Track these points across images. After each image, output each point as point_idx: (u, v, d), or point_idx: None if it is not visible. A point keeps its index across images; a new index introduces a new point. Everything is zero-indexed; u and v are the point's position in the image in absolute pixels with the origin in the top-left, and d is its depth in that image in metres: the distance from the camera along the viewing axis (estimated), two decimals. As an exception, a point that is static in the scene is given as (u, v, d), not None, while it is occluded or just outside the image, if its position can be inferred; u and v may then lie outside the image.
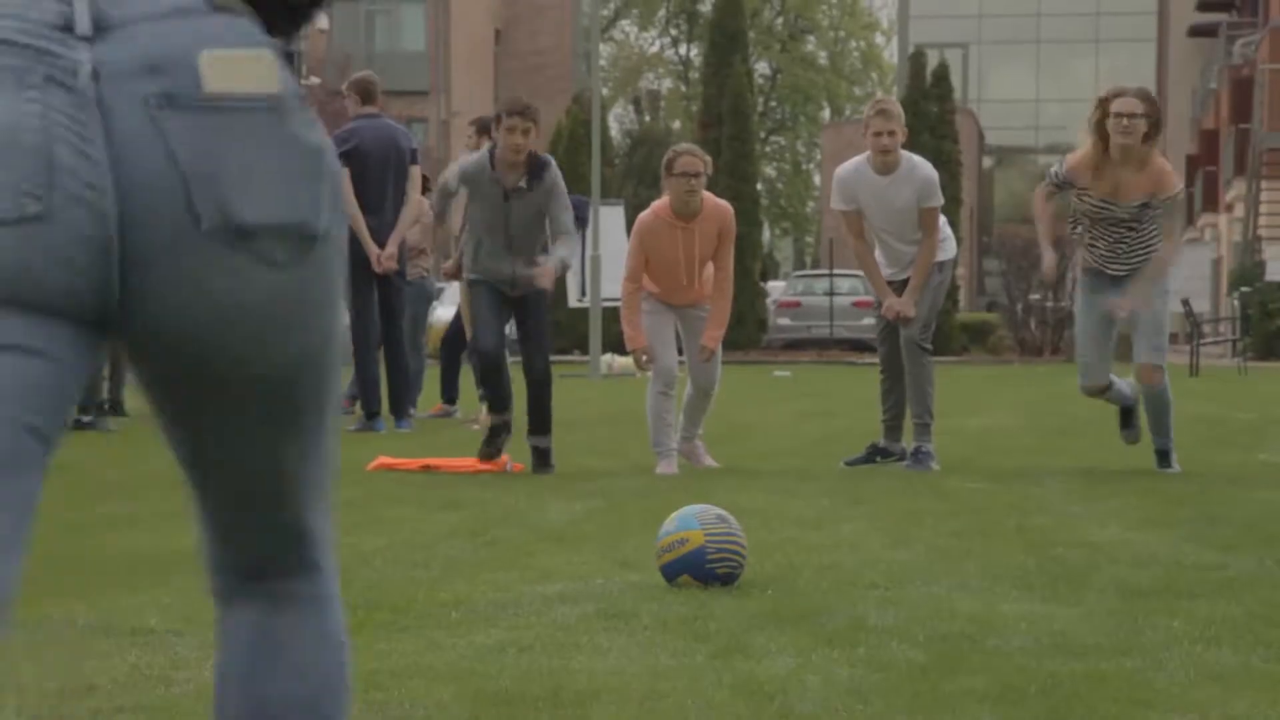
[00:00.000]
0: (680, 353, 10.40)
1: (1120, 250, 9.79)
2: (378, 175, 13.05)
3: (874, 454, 10.68)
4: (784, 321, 38.22)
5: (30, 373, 1.97)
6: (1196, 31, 58.24)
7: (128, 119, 1.95)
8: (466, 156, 10.96)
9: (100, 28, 1.98)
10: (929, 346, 10.44)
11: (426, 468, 9.89)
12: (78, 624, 5.13)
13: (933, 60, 39.31)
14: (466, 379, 15.36)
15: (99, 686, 4.30)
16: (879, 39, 71.24)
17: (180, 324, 2.01)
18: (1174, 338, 49.52)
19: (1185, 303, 28.92)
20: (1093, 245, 9.86)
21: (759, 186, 42.35)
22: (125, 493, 8.93)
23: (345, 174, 13.13)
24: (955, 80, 44.84)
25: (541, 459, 10.01)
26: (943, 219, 10.43)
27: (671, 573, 5.79)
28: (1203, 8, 57.39)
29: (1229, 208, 48.78)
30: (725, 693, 4.21)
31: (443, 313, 19.95)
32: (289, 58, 2.09)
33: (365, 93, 13.53)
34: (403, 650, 4.72)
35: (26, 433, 2.01)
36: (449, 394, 15.89)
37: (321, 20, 42.07)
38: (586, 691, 4.20)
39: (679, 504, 6.19)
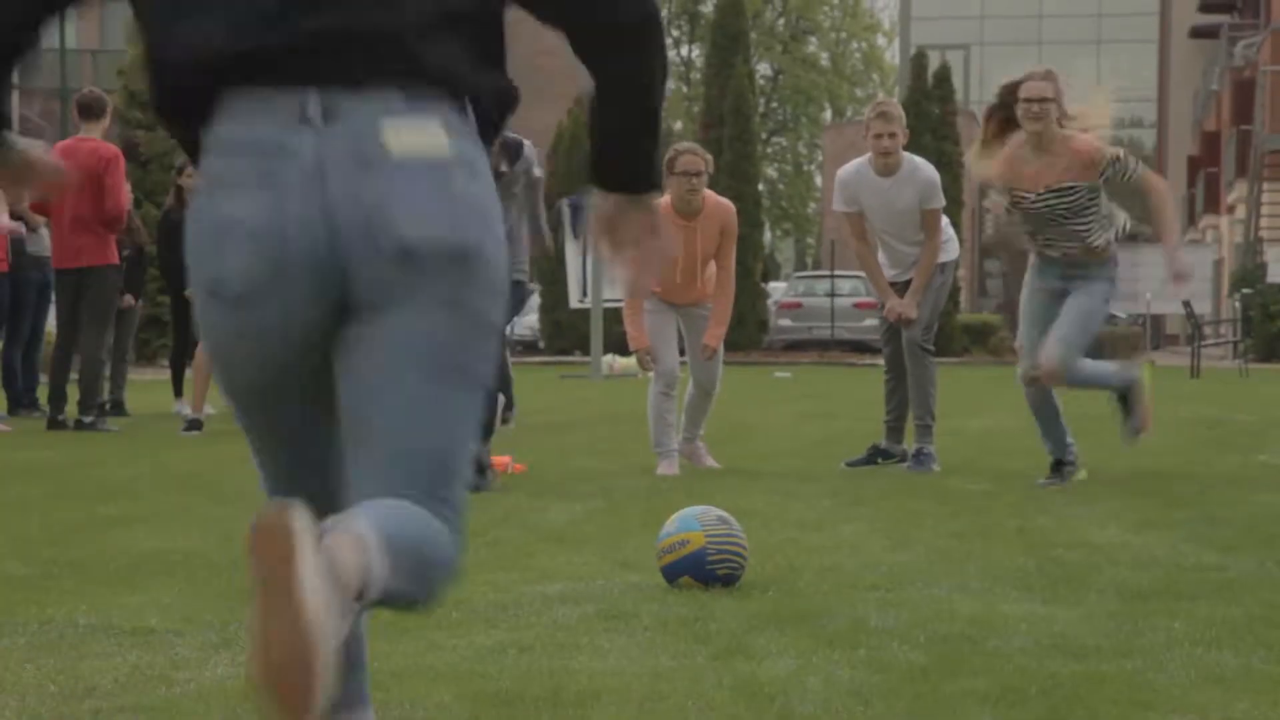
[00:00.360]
0: (682, 353, 10.40)
1: (1064, 241, 9.23)
2: None
3: (875, 455, 10.68)
4: (785, 322, 38.20)
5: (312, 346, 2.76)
6: (1198, 33, 58.24)
7: (338, 180, 2.66)
8: None
9: (328, 117, 2.68)
10: (931, 348, 10.44)
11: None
12: (79, 624, 5.13)
13: (934, 62, 39.29)
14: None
15: (99, 687, 4.30)
16: (880, 40, 71.23)
17: (360, 293, 2.70)
18: (1175, 339, 49.54)
19: (1186, 304, 28.90)
20: (1035, 239, 9.34)
21: (760, 187, 42.34)
22: (126, 493, 8.93)
23: None
24: (957, 82, 44.80)
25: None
26: (945, 220, 10.44)
27: (672, 574, 5.79)
28: (1204, 9, 57.39)
29: (1230, 209, 48.77)
30: (726, 694, 4.21)
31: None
32: (482, 133, 2.79)
33: None
34: (403, 651, 4.72)
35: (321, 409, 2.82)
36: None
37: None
38: (587, 692, 4.20)
39: (680, 505, 6.19)
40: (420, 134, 2.70)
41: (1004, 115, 9.30)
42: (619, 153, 2.86)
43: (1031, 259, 9.46)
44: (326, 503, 2.81)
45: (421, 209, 2.68)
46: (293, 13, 2.68)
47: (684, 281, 10.11)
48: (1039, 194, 9.10)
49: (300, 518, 2.36)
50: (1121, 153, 9.11)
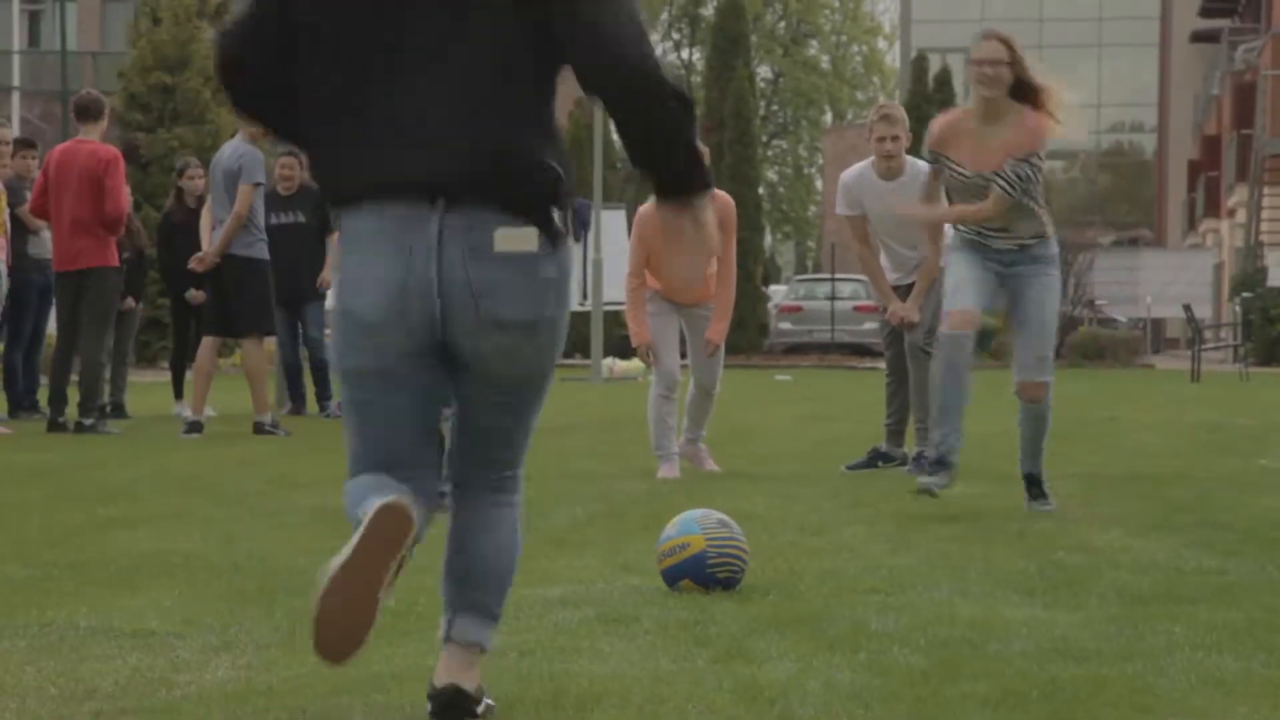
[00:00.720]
0: (683, 355, 10.40)
1: (1000, 229, 8.25)
2: None
3: (875, 459, 10.68)
4: (785, 326, 38.19)
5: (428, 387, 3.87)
6: (1199, 37, 58.25)
7: (452, 260, 3.71)
8: None
9: (450, 206, 3.71)
10: (933, 351, 10.43)
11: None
12: (79, 626, 5.13)
13: (935, 65, 39.31)
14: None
15: (100, 689, 4.30)
16: (881, 43, 71.25)
17: (475, 360, 3.81)
18: (1175, 343, 49.52)
19: (1187, 308, 28.91)
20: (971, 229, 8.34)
21: (761, 190, 42.34)
22: (126, 496, 8.93)
23: None
24: (958, 85, 44.78)
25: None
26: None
27: (673, 578, 5.79)
28: (1205, 13, 57.40)
29: (1231, 213, 48.76)
30: (726, 697, 4.21)
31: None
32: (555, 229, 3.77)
33: None
34: (405, 653, 4.72)
35: (426, 425, 3.89)
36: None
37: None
38: (587, 695, 4.20)
39: (680, 508, 6.19)
40: (518, 236, 3.73)
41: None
42: (647, 174, 3.80)
43: (955, 243, 8.47)
44: (395, 454, 3.86)
45: (512, 293, 3.74)
46: (436, 156, 3.72)
47: (689, 278, 10.05)
48: (975, 174, 8.14)
49: (413, 518, 3.65)
50: (1038, 157, 8.09)
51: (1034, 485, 8.47)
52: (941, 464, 8.34)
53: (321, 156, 3.83)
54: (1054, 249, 8.39)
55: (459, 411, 3.94)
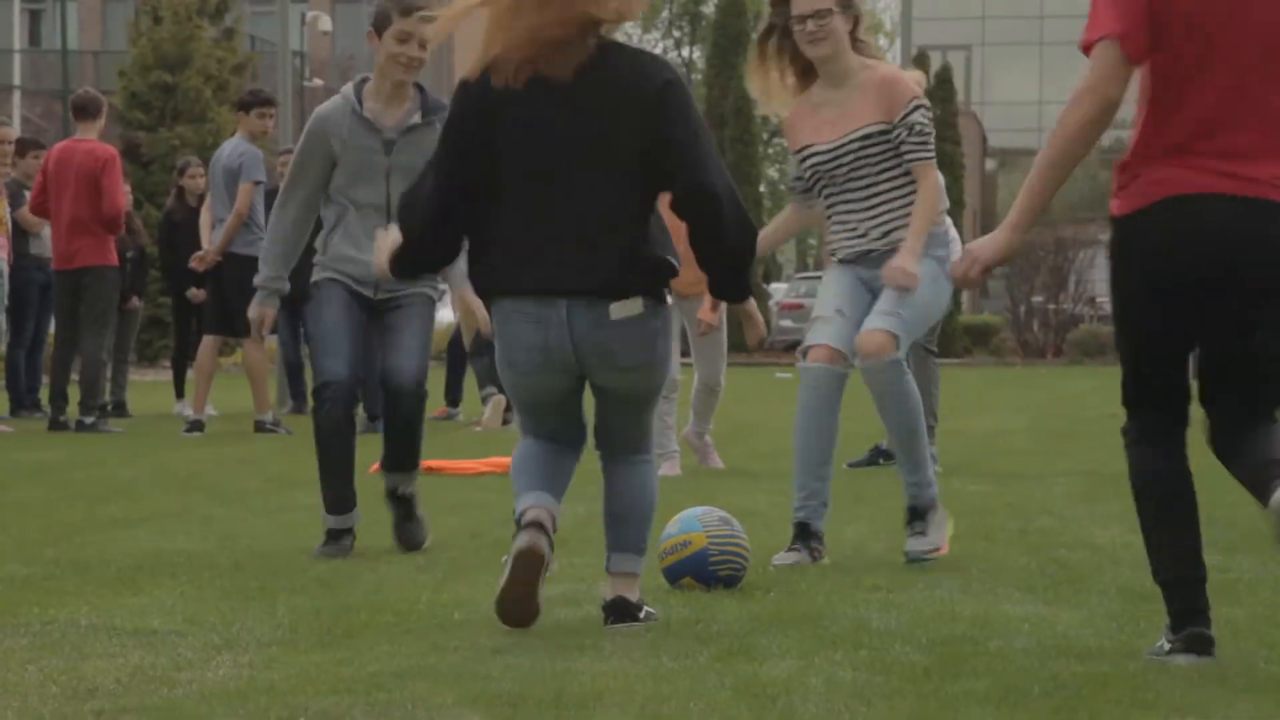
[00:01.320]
0: (684, 355, 10.40)
1: (870, 220, 6.60)
2: None
3: (877, 456, 10.68)
4: (786, 323, 38.21)
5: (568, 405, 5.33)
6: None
7: (581, 329, 5.07)
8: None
9: (572, 299, 5.06)
10: (934, 349, 10.44)
11: (429, 470, 9.87)
12: (81, 625, 5.13)
13: (936, 62, 39.32)
14: (470, 382, 15.37)
15: (101, 687, 4.30)
16: (882, 41, 71.28)
17: (606, 388, 5.24)
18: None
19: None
20: (839, 224, 6.66)
21: (762, 188, 42.35)
22: (128, 494, 8.93)
23: None
24: (958, 82, 44.84)
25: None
26: (947, 221, 10.41)
27: (674, 575, 5.79)
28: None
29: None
30: (728, 695, 4.21)
31: (446, 314, 19.92)
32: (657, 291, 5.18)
33: None
34: (406, 652, 4.72)
35: (570, 416, 5.34)
36: (453, 396, 15.89)
37: (324, 22, 42.08)
38: (589, 693, 4.20)
39: (682, 506, 6.19)
40: (628, 306, 5.06)
41: (780, 43, 6.64)
42: (709, 276, 5.26)
43: (828, 262, 6.89)
44: (550, 433, 5.31)
45: (627, 346, 5.10)
46: (562, 269, 5.07)
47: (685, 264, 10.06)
48: (836, 145, 6.53)
49: (545, 547, 5.03)
50: (925, 102, 6.61)
51: (915, 516, 6.53)
52: (802, 532, 6.46)
53: (481, 266, 5.20)
54: (942, 227, 6.72)
55: (597, 411, 5.28)
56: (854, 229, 6.61)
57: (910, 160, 6.51)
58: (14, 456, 11.14)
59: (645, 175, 5.07)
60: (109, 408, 14.42)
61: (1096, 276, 40.83)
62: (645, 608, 5.19)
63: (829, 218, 6.69)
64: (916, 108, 6.53)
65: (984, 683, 4.32)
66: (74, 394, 13.63)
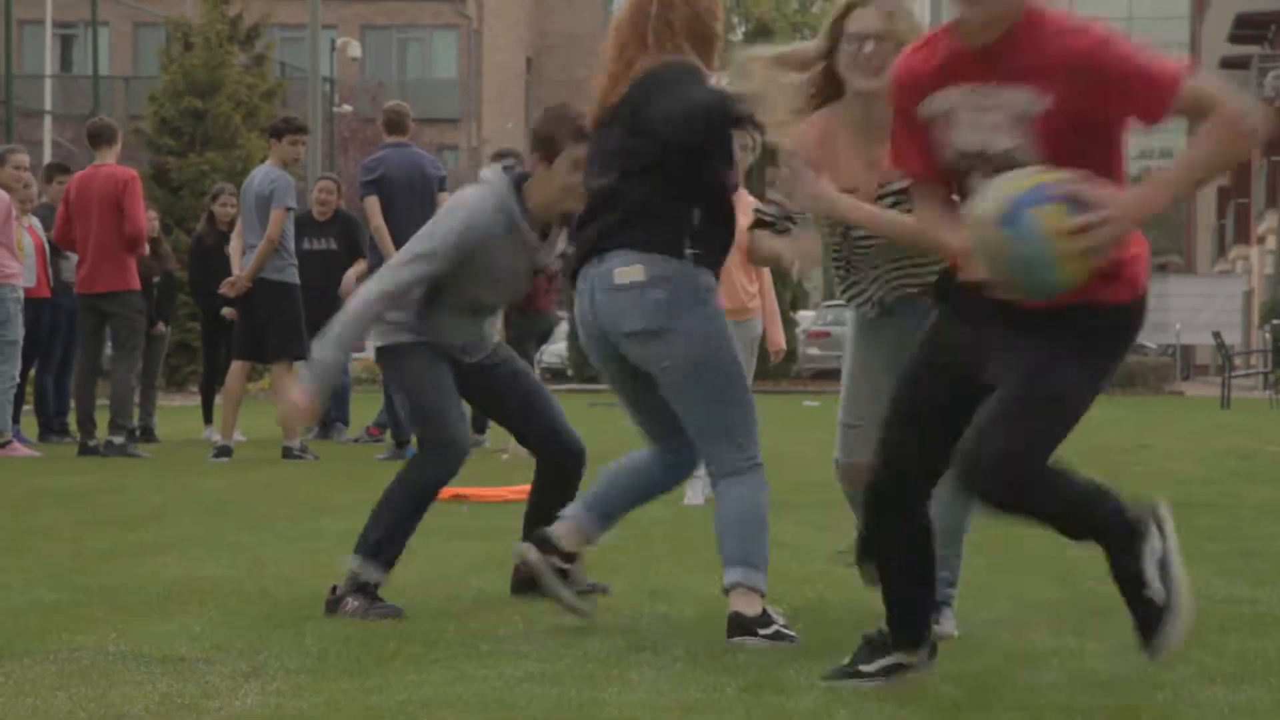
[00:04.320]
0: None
1: (894, 272, 5.67)
2: (404, 203, 13.15)
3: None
4: (813, 351, 38.17)
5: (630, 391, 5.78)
6: (1228, 63, 58.15)
7: (599, 297, 5.54)
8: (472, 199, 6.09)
9: (597, 263, 5.55)
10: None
11: (457, 497, 9.87)
12: (109, 651, 5.14)
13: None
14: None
15: (129, 715, 4.30)
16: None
17: (637, 363, 5.58)
18: (1205, 370, 49.37)
19: (1216, 335, 28.83)
20: (852, 279, 5.84)
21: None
22: (156, 520, 8.95)
23: (375, 202, 13.25)
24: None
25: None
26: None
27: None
28: (1235, 40, 57.31)
29: (1261, 240, 48.65)
30: (755, 726, 4.20)
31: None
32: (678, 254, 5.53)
33: (391, 123, 13.78)
34: (433, 681, 4.72)
35: (655, 412, 5.75)
36: (479, 423, 15.89)
37: (354, 48, 42.20)
38: (616, 724, 4.19)
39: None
40: (630, 270, 5.44)
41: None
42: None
43: (851, 317, 5.99)
44: (651, 434, 5.78)
45: (630, 312, 5.45)
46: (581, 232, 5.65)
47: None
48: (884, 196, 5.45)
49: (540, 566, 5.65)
50: None
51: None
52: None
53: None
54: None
55: (667, 411, 5.61)
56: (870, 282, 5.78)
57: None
58: (43, 481, 11.16)
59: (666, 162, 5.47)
60: (137, 433, 14.44)
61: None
62: (776, 624, 5.36)
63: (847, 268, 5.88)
64: None
65: (1013, 716, 4.30)
66: (102, 418, 13.66)
